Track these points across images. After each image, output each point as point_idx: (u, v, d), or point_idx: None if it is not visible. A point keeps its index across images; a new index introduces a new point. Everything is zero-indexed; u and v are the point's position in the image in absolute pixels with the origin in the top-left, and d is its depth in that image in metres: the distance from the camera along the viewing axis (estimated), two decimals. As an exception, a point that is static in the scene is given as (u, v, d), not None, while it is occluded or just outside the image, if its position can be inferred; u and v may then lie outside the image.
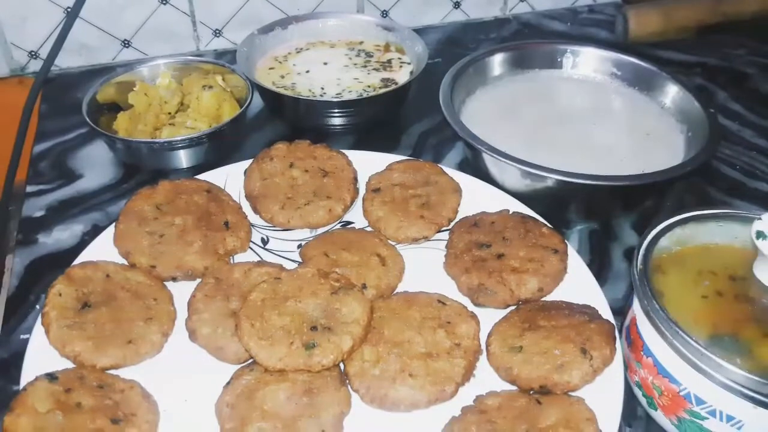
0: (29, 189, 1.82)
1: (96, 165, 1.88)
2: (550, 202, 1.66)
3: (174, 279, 1.47)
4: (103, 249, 1.50)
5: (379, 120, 2.01)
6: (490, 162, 1.69)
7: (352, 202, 1.66)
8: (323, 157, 1.73)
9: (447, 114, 1.75)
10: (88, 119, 1.80)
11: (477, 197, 1.67)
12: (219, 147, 1.86)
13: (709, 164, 1.84)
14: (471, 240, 1.54)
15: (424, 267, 1.53)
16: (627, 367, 1.33)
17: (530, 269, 1.45)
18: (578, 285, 1.46)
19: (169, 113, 1.90)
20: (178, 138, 1.79)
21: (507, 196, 1.67)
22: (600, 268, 1.60)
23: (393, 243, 1.56)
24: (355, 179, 1.70)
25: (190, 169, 1.84)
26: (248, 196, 1.68)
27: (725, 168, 1.92)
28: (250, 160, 1.73)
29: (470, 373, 1.31)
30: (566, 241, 1.52)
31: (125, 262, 1.48)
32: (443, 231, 1.59)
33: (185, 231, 1.52)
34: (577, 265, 1.50)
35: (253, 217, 1.62)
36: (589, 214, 1.71)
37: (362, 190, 1.71)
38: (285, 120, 2.03)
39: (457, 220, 1.61)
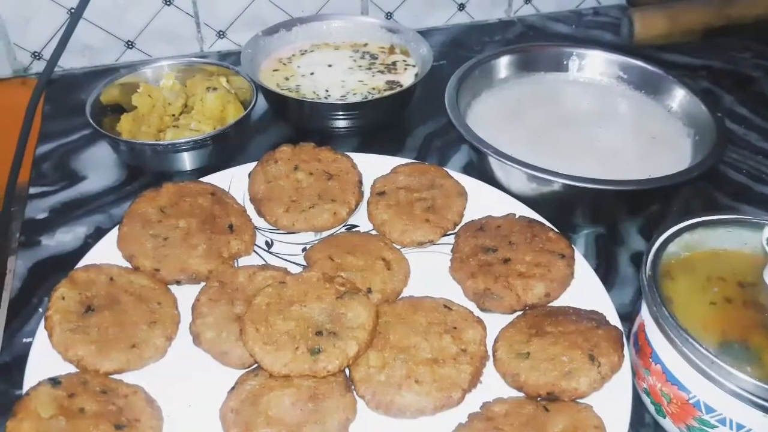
0: (32, 191, 1.80)
1: (99, 167, 1.87)
2: (557, 205, 1.65)
3: (178, 282, 1.46)
4: (106, 252, 1.49)
5: (383, 122, 2.00)
6: (496, 165, 1.68)
7: (356, 206, 1.65)
8: (328, 160, 1.72)
9: (453, 117, 1.74)
10: (91, 121, 1.79)
11: (482, 201, 1.66)
12: (223, 149, 1.85)
13: (716, 168, 1.82)
14: (477, 244, 1.52)
15: (430, 271, 1.52)
16: (635, 373, 1.32)
17: (537, 274, 1.44)
18: (585, 290, 1.45)
19: (173, 115, 1.89)
20: (182, 140, 1.78)
21: (513, 200, 1.66)
22: (606, 272, 1.59)
23: (398, 247, 1.55)
24: (360, 182, 1.69)
25: (194, 171, 1.82)
26: (253, 199, 1.66)
27: (731, 172, 1.90)
28: (255, 163, 1.72)
29: (477, 379, 1.30)
30: (573, 245, 1.51)
31: (129, 265, 1.47)
32: (449, 235, 1.58)
33: (189, 234, 1.51)
34: (583, 270, 1.48)
35: (257, 220, 1.61)
36: (595, 218, 1.70)
37: (367, 193, 1.69)
38: (289, 122, 2.01)
39: (462, 224, 1.60)
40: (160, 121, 1.86)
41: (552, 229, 1.54)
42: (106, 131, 1.79)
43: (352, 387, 1.28)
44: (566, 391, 1.25)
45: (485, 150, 1.65)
